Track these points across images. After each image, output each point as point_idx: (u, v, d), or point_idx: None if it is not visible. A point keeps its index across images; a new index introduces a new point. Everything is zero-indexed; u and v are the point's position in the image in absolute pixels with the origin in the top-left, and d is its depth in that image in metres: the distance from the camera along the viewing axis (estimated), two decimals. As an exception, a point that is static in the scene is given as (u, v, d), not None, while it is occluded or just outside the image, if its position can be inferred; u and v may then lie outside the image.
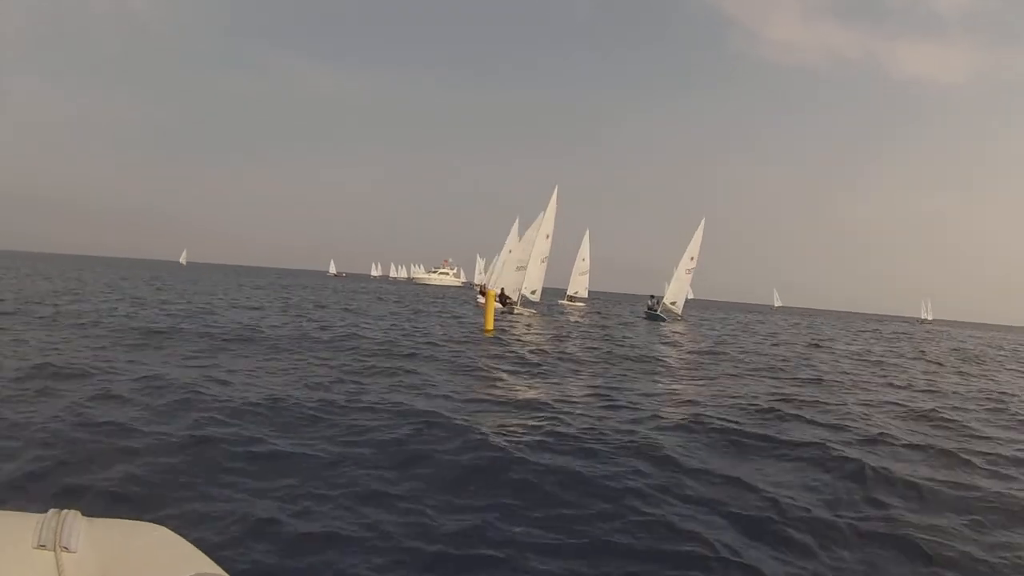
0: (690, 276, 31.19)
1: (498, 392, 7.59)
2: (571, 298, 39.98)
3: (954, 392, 10.67)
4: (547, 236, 28.74)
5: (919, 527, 3.86)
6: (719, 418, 6.59)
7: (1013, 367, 17.88)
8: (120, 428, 4.77)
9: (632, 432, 5.72)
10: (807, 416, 7.08)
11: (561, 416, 6.29)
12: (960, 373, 14.51)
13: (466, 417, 5.88)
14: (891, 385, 11.04)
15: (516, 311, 25.97)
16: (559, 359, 11.34)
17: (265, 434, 4.92)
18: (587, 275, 40.57)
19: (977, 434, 6.90)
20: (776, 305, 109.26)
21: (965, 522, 4.05)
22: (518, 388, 8.07)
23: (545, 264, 29.34)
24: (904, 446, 6.00)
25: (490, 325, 16.46)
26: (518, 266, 29.59)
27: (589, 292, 41.73)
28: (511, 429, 5.65)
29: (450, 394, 7.17)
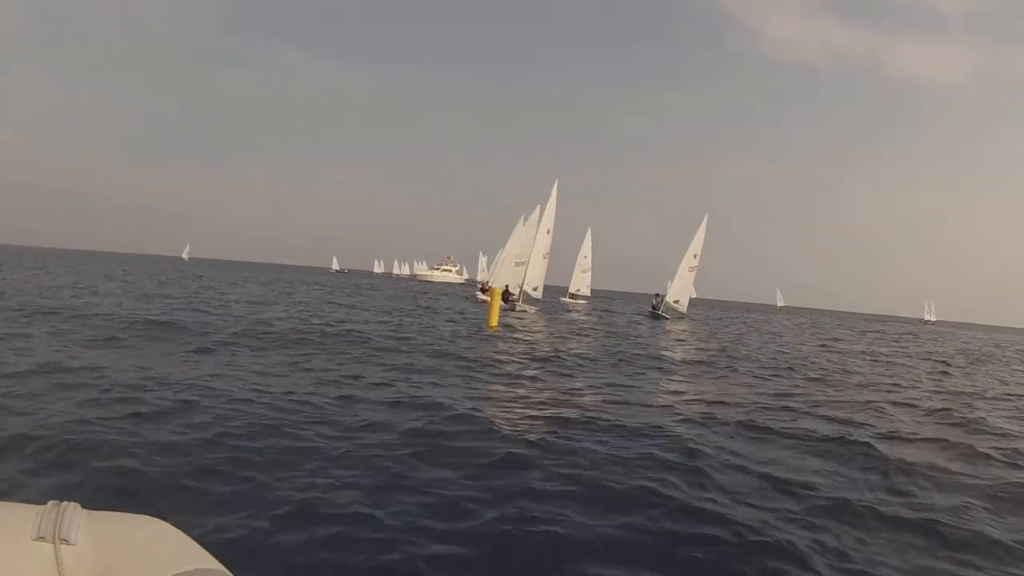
0: (693, 274, 30.70)
1: (508, 389, 7.59)
2: (572, 295, 39.87)
3: (965, 392, 10.66)
4: (548, 231, 28.42)
5: (938, 511, 3.97)
6: (737, 413, 6.58)
7: (1019, 367, 17.85)
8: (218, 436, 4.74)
9: (655, 427, 5.73)
10: (824, 413, 7.08)
11: (577, 409, 6.28)
12: (969, 374, 14.50)
13: (484, 411, 5.91)
14: (902, 384, 11.02)
15: (518, 308, 25.54)
16: (564, 356, 11.31)
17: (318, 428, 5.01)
18: (589, 273, 40.44)
19: (992, 430, 6.90)
20: (779, 305, 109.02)
21: (983, 508, 4.14)
22: (527, 385, 8.06)
23: (547, 260, 29.06)
24: (921, 439, 6.04)
25: (494, 322, 16.42)
26: (517, 262, 29.38)
27: (591, 290, 41.65)
28: (530, 422, 5.67)
29: (466, 389, 7.18)
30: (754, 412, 6.82)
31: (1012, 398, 10.12)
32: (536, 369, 9.32)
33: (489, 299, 28.48)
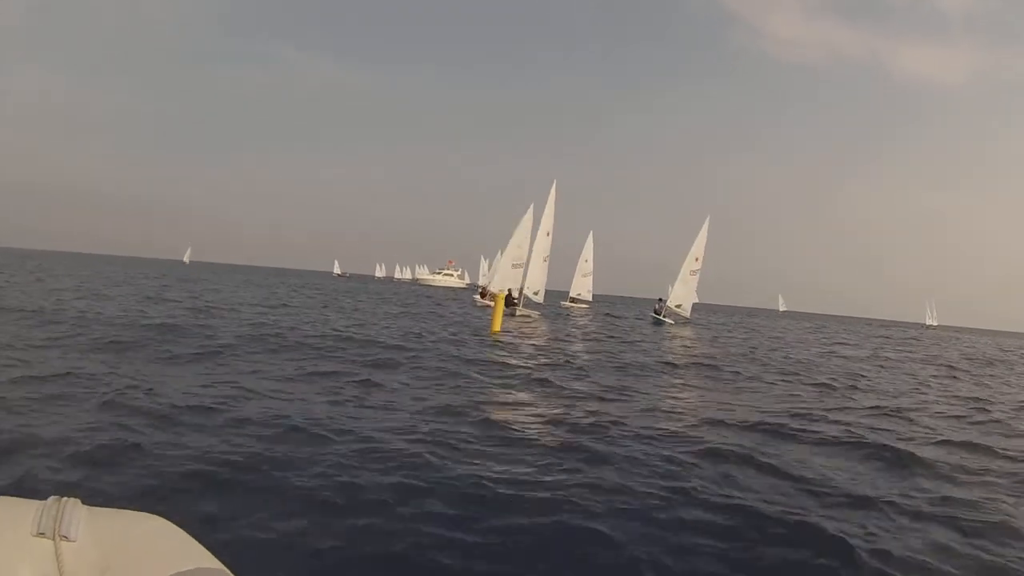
0: (696, 278, 30.05)
1: (517, 394, 7.61)
2: (573, 300, 39.66)
3: (977, 396, 10.55)
4: (548, 233, 27.83)
5: (960, 504, 4.10)
6: (752, 416, 6.57)
7: (1025, 371, 17.71)
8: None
9: (673, 432, 5.74)
10: (836, 419, 7.01)
11: (590, 414, 6.29)
12: (980, 380, 14.38)
13: (494, 416, 5.97)
14: (913, 388, 10.96)
15: (519, 313, 24.84)
16: (571, 361, 11.26)
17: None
18: (590, 277, 40.18)
19: (1011, 432, 6.89)
20: (781, 310, 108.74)
21: (1006, 499, 4.27)
22: (536, 390, 8.07)
23: (547, 263, 28.48)
24: (939, 443, 6.05)
25: (497, 327, 16.30)
26: (513, 264, 29.05)
27: (593, 295, 41.38)
28: (544, 428, 5.72)
29: (475, 393, 7.24)
30: (769, 416, 6.76)
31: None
32: (546, 373, 9.25)
33: (488, 303, 28.76)
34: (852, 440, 5.76)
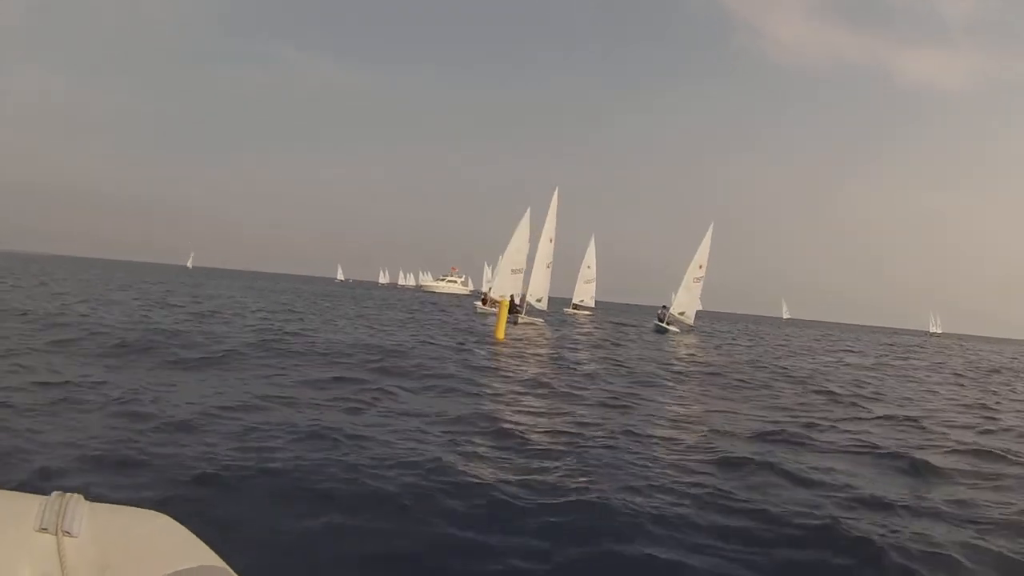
0: (699, 285, 29.71)
1: (525, 403, 7.64)
2: (576, 306, 39.61)
3: (984, 404, 10.50)
4: (550, 240, 27.61)
5: (976, 506, 4.19)
6: (765, 425, 6.58)
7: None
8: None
9: (691, 441, 5.75)
10: (846, 428, 6.99)
11: (605, 423, 6.34)
12: (986, 387, 14.32)
13: (506, 424, 6.00)
14: (925, 396, 10.93)
15: (521, 320, 24.25)
16: (575, 368, 11.32)
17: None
18: (593, 283, 40.12)
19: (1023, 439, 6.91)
20: (784, 317, 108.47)
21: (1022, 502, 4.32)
22: (546, 397, 8.10)
23: (550, 270, 28.19)
24: (952, 449, 6.08)
25: (501, 333, 16.29)
26: (513, 269, 28.86)
27: (596, 301, 41.26)
28: (557, 435, 5.75)
29: (485, 401, 7.31)
30: (779, 425, 6.75)
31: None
32: (552, 380, 9.26)
33: (490, 310, 28.66)
34: (865, 448, 5.76)
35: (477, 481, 3.98)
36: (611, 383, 9.48)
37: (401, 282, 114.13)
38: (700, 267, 29.69)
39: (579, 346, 16.66)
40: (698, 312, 31.43)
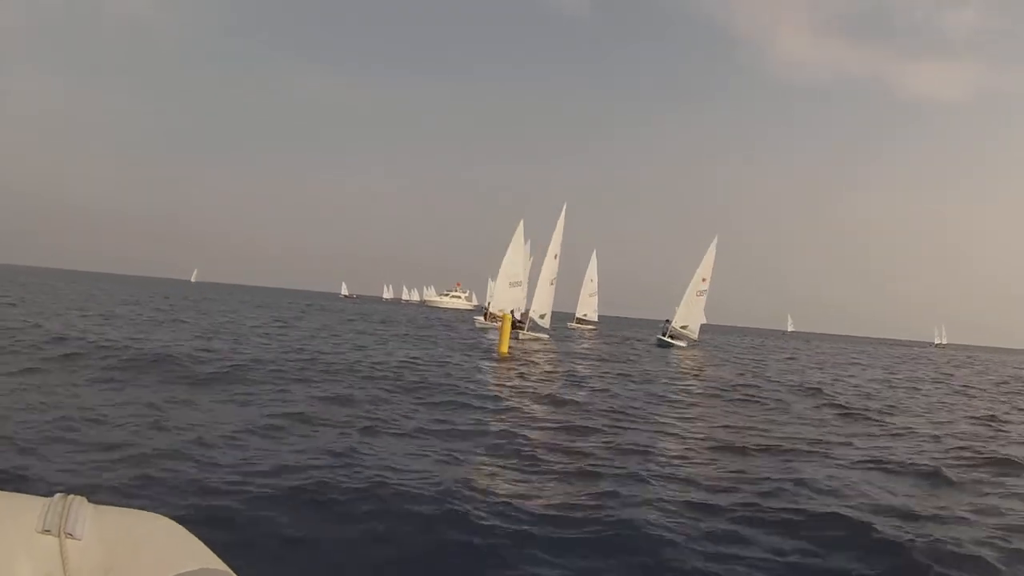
0: (702, 298, 29.19)
1: (529, 420, 7.67)
2: (580, 321, 39.55)
3: (995, 415, 10.37)
4: (555, 256, 27.46)
5: (1001, 513, 4.26)
6: (786, 442, 6.58)
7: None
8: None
9: (707, 455, 5.80)
10: (860, 444, 6.96)
11: (616, 438, 6.36)
12: (995, 398, 14.23)
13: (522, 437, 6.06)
14: (937, 408, 10.91)
15: (522, 336, 23.57)
16: (580, 384, 11.37)
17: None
18: (596, 297, 40.10)
19: None
20: (789, 330, 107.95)
21: None
22: (556, 412, 8.13)
23: (554, 286, 27.88)
24: (969, 458, 6.12)
25: (505, 348, 16.31)
26: (511, 282, 28.56)
27: (599, 316, 41.18)
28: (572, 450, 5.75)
29: (489, 417, 7.31)
30: (796, 438, 6.80)
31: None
32: (558, 392, 9.23)
33: (488, 324, 28.56)
34: (882, 460, 5.80)
35: (487, 498, 3.96)
36: (620, 398, 9.43)
37: (405, 297, 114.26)
38: (703, 280, 29.23)
39: (585, 361, 16.61)
40: (702, 326, 31.19)
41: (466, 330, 28.17)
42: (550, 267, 27.65)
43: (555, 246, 27.50)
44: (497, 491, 4.12)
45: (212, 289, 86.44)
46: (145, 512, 0.76)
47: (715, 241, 29.45)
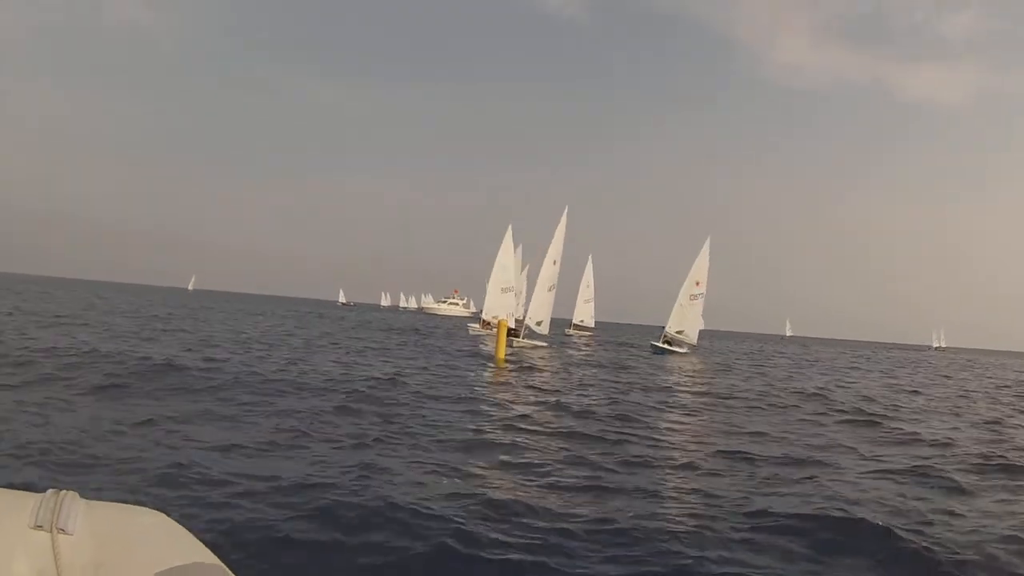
0: (698, 302, 28.06)
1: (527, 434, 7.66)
2: (577, 327, 39.45)
3: (997, 419, 10.39)
4: (555, 262, 26.40)
5: (1012, 516, 4.30)
6: (791, 449, 6.59)
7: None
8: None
9: (711, 462, 5.81)
10: (875, 449, 6.96)
11: (619, 446, 6.41)
12: (996, 400, 14.26)
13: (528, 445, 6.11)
14: (939, 411, 10.93)
15: (516, 344, 22.41)
16: (581, 392, 11.44)
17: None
18: (592, 303, 39.96)
19: None
20: (787, 334, 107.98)
21: None
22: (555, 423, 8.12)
23: (553, 292, 26.82)
24: (977, 463, 6.14)
25: (501, 355, 16.27)
26: (503, 288, 27.70)
27: (596, 322, 41.08)
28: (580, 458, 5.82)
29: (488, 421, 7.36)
30: (802, 444, 6.80)
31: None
32: (559, 399, 9.23)
33: (482, 331, 28.35)
34: (891, 464, 5.84)
35: (491, 509, 3.94)
36: (621, 405, 9.39)
37: (403, 304, 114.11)
38: (697, 284, 28.09)
39: (583, 368, 16.54)
40: (700, 331, 30.60)
41: (463, 337, 28.08)
42: (549, 272, 26.58)
43: (555, 251, 26.48)
44: (501, 502, 4.08)
45: (209, 297, 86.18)
46: (138, 507, 0.75)
47: (708, 242, 28.26)
